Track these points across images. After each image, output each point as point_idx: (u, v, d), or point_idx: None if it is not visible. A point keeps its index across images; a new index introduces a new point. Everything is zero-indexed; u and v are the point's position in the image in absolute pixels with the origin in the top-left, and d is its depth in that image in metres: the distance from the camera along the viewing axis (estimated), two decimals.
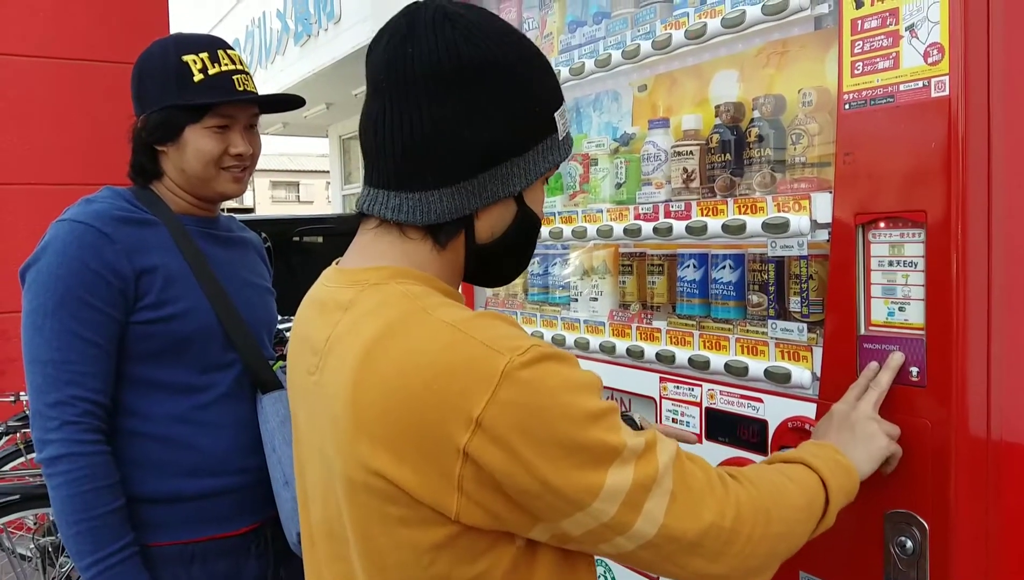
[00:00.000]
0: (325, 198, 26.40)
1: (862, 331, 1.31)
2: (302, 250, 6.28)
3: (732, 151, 1.62)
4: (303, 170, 29.63)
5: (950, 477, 1.19)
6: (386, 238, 1.00)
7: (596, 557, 1.00)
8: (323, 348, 0.97)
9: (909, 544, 1.23)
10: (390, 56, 0.96)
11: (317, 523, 1.04)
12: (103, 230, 1.47)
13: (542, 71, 1.00)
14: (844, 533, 1.32)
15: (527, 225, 1.02)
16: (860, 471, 1.15)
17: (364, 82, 1.02)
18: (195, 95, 1.53)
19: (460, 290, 1.05)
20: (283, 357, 1.87)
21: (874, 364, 1.27)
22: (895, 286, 1.28)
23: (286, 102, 1.69)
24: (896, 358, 1.25)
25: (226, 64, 1.56)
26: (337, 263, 1.07)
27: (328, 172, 15.00)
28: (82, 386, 1.43)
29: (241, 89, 1.57)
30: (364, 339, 0.90)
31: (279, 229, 5.95)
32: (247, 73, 1.61)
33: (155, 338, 1.50)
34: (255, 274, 1.75)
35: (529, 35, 2.23)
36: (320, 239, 6.42)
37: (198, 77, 1.53)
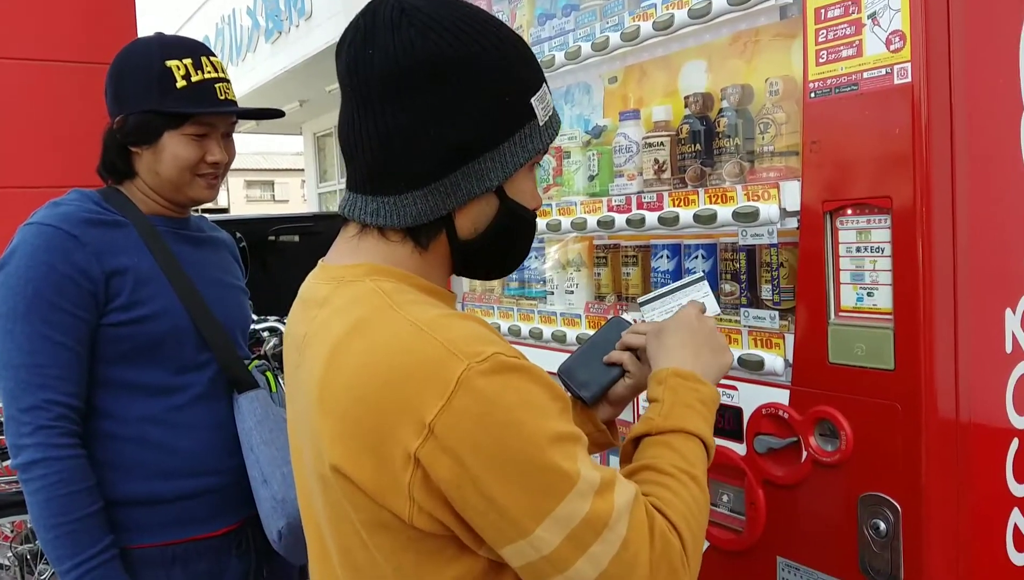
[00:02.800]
0: (300, 196, 26.21)
1: (832, 317, 1.33)
2: (278, 249, 6.24)
3: (702, 141, 1.63)
4: (278, 169, 29.41)
5: (921, 459, 1.21)
6: (368, 239, 0.98)
7: None
8: (301, 344, 0.97)
9: (883, 526, 1.25)
10: (351, 59, 0.94)
11: (306, 522, 1.04)
12: (71, 232, 1.46)
13: (513, 57, 0.96)
14: (819, 517, 1.35)
15: (512, 218, 0.99)
16: (714, 381, 1.15)
17: (337, 78, 1.01)
18: (177, 103, 1.51)
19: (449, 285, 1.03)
20: (259, 357, 1.86)
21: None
22: (863, 272, 1.29)
23: (266, 114, 1.71)
24: None
25: (209, 72, 1.55)
26: (322, 260, 1.06)
27: (303, 170, 14.89)
28: (55, 390, 1.42)
29: (223, 98, 1.56)
30: (333, 337, 0.90)
31: (254, 229, 5.92)
32: (228, 81, 1.61)
33: (127, 340, 1.49)
34: (228, 274, 1.74)
35: None
36: (296, 238, 6.39)
37: (181, 84, 1.51)
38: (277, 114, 1.73)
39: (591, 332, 1.86)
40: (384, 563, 0.88)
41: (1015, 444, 1.31)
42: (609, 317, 1.37)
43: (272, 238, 6.27)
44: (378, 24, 0.93)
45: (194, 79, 1.53)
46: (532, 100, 0.97)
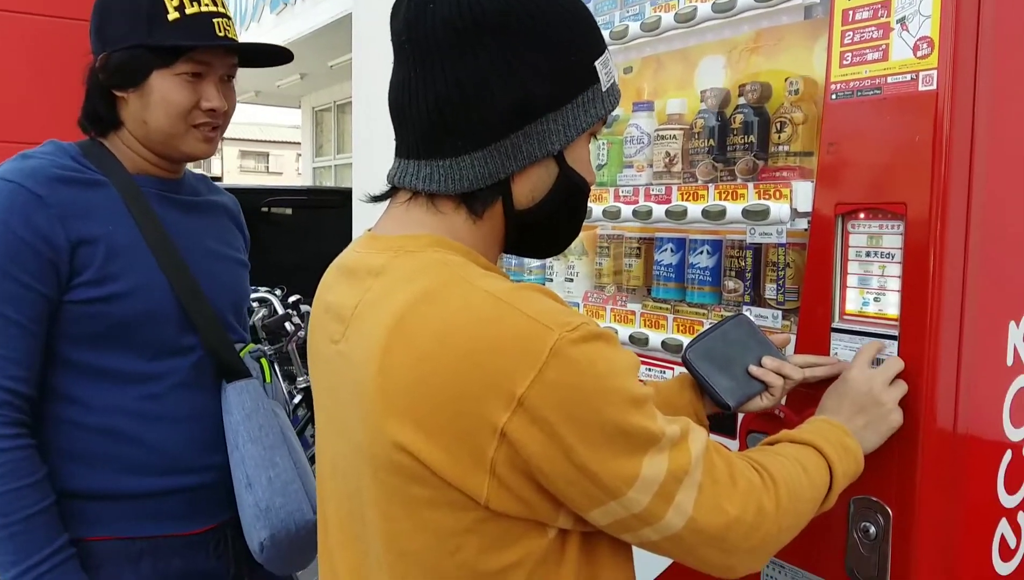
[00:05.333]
0: (295, 170, 26.09)
1: (836, 320, 1.33)
2: (270, 221, 6.21)
3: (716, 137, 1.63)
4: (273, 141, 29.21)
5: (916, 467, 1.21)
6: (417, 209, 0.94)
7: None
8: (350, 315, 0.92)
9: (872, 530, 1.26)
10: (411, 15, 0.90)
11: (332, 503, 0.99)
12: (35, 191, 1.28)
13: (577, 17, 0.92)
14: None
15: (570, 187, 0.95)
16: (867, 450, 1.13)
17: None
18: (167, 36, 1.33)
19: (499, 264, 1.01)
20: (255, 341, 1.68)
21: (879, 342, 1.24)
22: (871, 277, 1.29)
23: (271, 54, 1.50)
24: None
25: (206, 4, 1.37)
26: (370, 230, 1.02)
27: (299, 144, 14.80)
28: (0, 372, 1.26)
29: (222, 35, 1.37)
30: (397, 305, 0.85)
31: (248, 199, 5.86)
32: (229, 18, 1.42)
33: (96, 319, 1.33)
34: (224, 244, 1.56)
35: None
36: (289, 211, 6.36)
37: (173, 16, 1.34)
38: (284, 55, 1.52)
39: None
40: (439, 547, 0.85)
41: (1008, 456, 1.32)
42: (740, 314, 1.31)
43: (265, 210, 6.24)
44: None
45: (188, 11, 1.35)
46: (596, 63, 0.93)
